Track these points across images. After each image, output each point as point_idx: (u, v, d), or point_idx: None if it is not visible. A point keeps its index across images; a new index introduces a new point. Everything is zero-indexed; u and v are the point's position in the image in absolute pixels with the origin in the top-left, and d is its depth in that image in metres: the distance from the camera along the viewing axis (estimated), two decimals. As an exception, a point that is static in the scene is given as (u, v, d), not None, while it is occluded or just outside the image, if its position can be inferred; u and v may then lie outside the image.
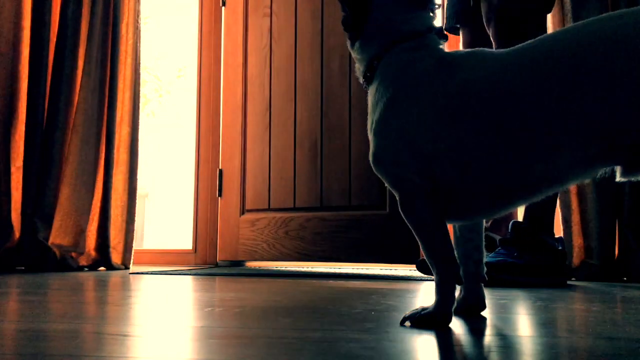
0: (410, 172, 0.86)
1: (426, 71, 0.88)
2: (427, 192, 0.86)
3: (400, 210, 0.89)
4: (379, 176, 0.91)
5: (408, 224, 0.89)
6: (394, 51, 0.91)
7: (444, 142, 0.83)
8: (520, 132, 0.79)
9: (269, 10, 2.82)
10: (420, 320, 0.85)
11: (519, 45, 0.84)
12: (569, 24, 2.13)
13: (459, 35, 2.17)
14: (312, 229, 2.59)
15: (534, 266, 1.73)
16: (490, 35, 1.85)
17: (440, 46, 0.92)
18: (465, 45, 2.13)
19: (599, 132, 0.74)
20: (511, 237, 1.77)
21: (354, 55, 0.98)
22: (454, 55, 0.89)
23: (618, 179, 0.80)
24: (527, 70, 0.80)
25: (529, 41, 0.84)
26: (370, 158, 0.91)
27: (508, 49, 0.85)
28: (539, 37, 0.84)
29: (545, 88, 0.77)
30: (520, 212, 1.89)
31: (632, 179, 0.78)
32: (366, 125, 0.94)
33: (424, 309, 0.87)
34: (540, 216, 1.79)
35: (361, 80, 0.96)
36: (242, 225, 2.84)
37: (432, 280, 0.90)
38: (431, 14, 0.94)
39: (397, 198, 0.89)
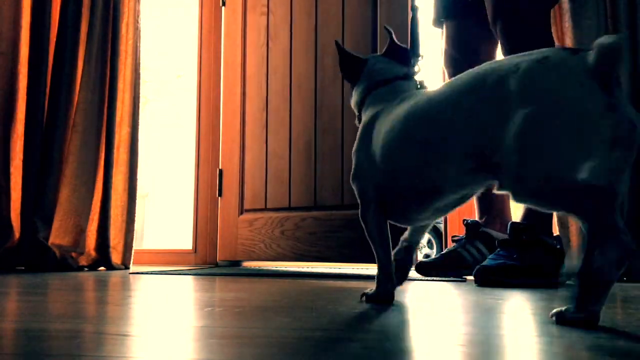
0: (369, 185, 1.13)
1: (388, 104, 1.14)
2: (377, 204, 1.12)
3: (359, 215, 1.15)
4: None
5: (363, 227, 1.15)
6: (375, 92, 1.21)
7: (387, 157, 1.08)
8: (427, 148, 1.02)
9: (266, 9, 2.82)
10: (370, 297, 1.14)
11: (444, 84, 1.08)
12: (567, 23, 2.13)
13: (442, 29, 2.15)
14: (306, 229, 2.58)
15: (535, 267, 1.73)
16: (497, 33, 1.84)
17: (416, 87, 1.20)
18: (448, 40, 2.10)
19: (470, 152, 0.94)
20: (510, 238, 1.77)
21: (352, 93, 1.28)
22: (411, 94, 1.14)
23: (494, 191, 0.96)
24: (434, 103, 1.04)
25: (446, 82, 1.07)
26: (351, 176, 1.17)
27: (438, 87, 1.07)
28: (452, 79, 1.04)
29: (439, 117, 1.01)
30: (519, 213, 1.89)
31: (504, 192, 0.93)
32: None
33: (373, 290, 1.14)
34: (539, 216, 1.79)
35: (356, 111, 1.26)
36: (241, 225, 2.83)
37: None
38: (413, 65, 1.26)
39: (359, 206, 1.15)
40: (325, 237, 2.53)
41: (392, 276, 1.15)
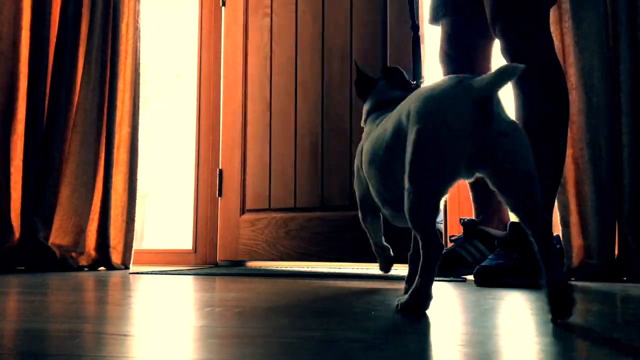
0: (359, 191, 1.33)
1: (375, 125, 1.26)
2: (365, 205, 1.33)
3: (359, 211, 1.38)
4: None
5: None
6: (376, 112, 1.31)
7: (366, 171, 1.23)
8: (385, 167, 1.14)
9: (269, 10, 2.82)
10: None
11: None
12: (567, 23, 2.13)
13: (439, 25, 2.13)
14: (312, 229, 2.59)
15: (535, 267, 1.73)
16: (496, 33, 1.82)
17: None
18: (444, 37, 2.07)
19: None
20: (510, 238, 1.76)
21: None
22: (387, 115, 1.23)
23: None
24: (388, 127, 1.14)
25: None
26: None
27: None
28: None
29: (389, 141, 1.12)
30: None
31: None
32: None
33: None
34: None
35: (363, 123, 1.37)
36: (242, 225, 2.83)
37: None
38: (415, 87, 1.41)
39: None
40: (332, 238, 2.54)
41: (384, 245, 1.43)
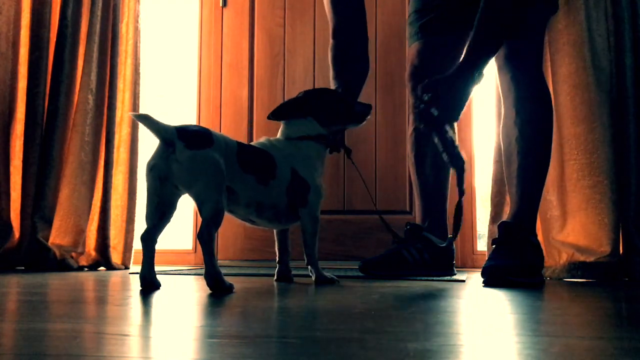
0: None
1: None
2: None
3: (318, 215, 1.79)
4: None
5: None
6: None
7: None
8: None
9: (281, 21, 2.88)
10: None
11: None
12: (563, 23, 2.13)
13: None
14: (334, 230, 2.71)
15: (533, 266, 1.74)
16: (502, 57, 1.84)
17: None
18: (417, 54, 2.07)
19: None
20: (503, 238, 1.76)
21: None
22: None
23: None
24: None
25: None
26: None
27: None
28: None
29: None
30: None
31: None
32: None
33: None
34: (527, 216, 1.80)
35: None
36: (248, 225, 2.85)
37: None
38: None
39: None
40: (354, 239, 2.70)
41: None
